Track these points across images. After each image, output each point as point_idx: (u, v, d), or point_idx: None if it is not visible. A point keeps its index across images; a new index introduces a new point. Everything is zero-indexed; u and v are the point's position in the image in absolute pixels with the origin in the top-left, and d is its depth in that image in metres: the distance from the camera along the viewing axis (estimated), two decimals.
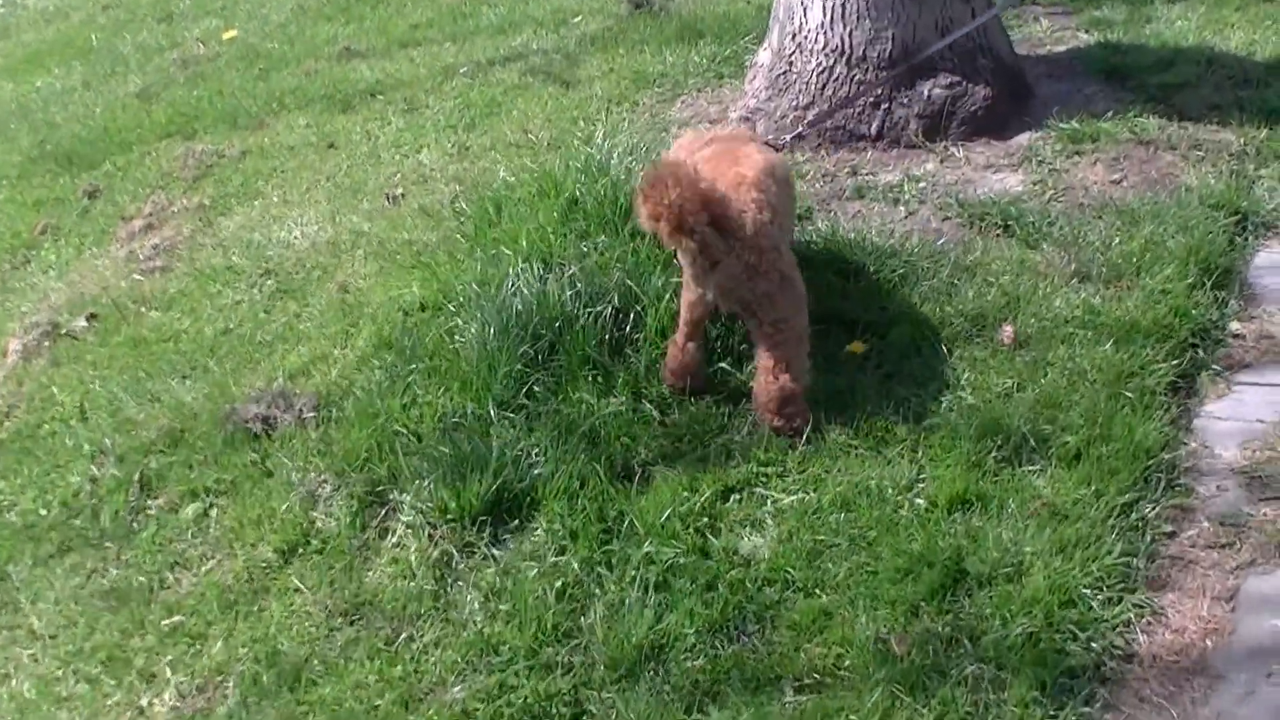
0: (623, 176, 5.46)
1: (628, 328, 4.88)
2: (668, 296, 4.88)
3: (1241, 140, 6.13)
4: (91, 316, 6.22)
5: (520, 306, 4.84)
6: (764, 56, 6.62)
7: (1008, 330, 4.79)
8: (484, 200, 5.95)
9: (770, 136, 6.10)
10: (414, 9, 10.26)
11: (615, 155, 5.71)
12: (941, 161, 6.16)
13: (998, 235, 5.49)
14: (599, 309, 4.86)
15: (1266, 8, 7.47)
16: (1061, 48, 7.22)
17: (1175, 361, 4.62)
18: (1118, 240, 5.28)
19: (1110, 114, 6.36)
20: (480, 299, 4.99)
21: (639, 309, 4.90)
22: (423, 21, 9.88)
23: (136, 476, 4.96)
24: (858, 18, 6.22)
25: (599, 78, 7.66)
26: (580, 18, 9.00)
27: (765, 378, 4.34)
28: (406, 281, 5.65)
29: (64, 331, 6.15)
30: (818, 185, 6.05)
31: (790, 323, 4.32)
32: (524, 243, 5.28)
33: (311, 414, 4.91)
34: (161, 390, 5.44)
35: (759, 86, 6.53)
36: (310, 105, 8.32)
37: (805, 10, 6.32)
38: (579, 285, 4.84)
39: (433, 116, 7.62)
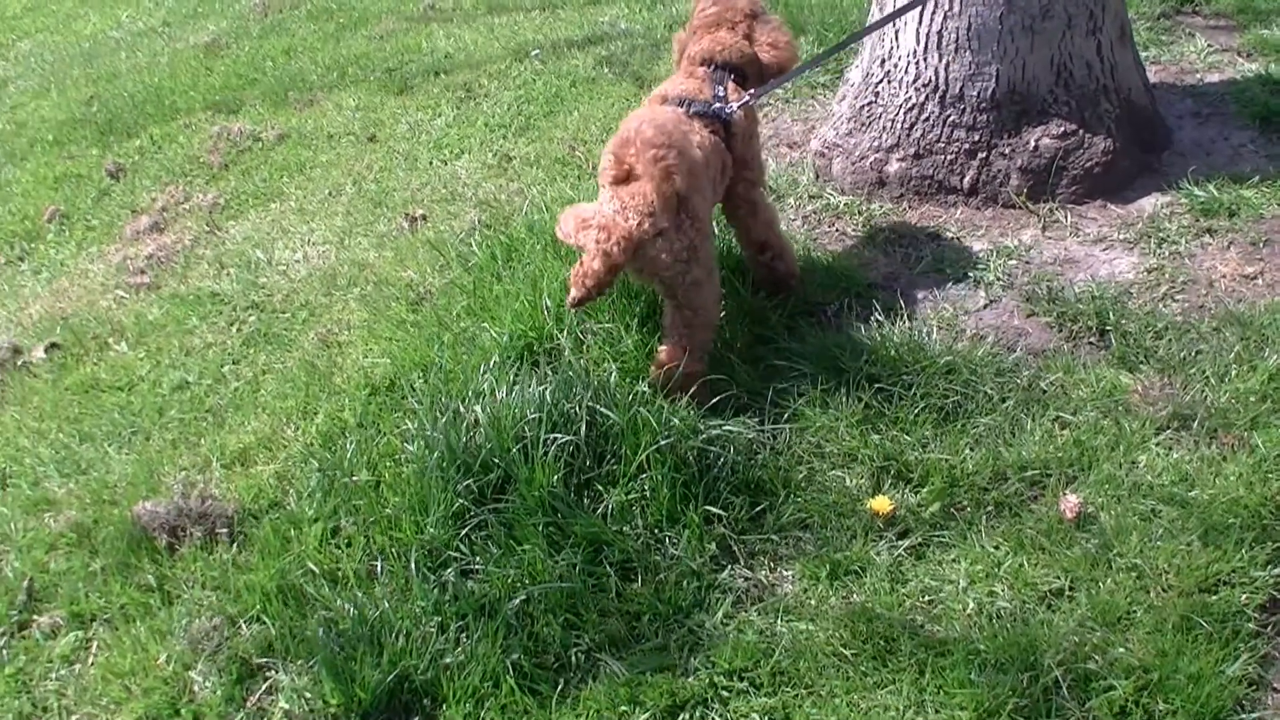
0: None
1: (599, 461, 3.87)
2: (649, 428, 4.05)
3: None
4: (53, 346, 5.47)
5: (475, 421, 4.03)
6: (855, 75, 5.58)
7: (1071, 501, 3.80)
8: (495, 245, 5.02)
9: (849, 181, 5.32)
10: None
11: None
12: (1043, 229, 5.13)
13: (1091, 344, 4.50)
14: (566, 438, 3.99)
15: None
16: (1215, 77, 6.07)
17: (1277, 570, 3.47)
18: (1234, 371, 4.21)
19: (1258, 178, 5.29)
20: (435, 404, 4.22)
21: (615, 441, 4.06)
22: None
23: (26, 583, 4.14)
24: (956, 48, 5.18)
25: None
26: None
27: (671, 352, 4.25)
28: (385, 346, 4.93)
29: (21, 362, 5.36)
30: (891, 249, 5.12)
31: (707, 306, 4.25)
32: (507, 324, 4.34)
33: (225, 530, 4.07)
34: (94, 460, 4.77)
35: (841, 116, 5.55)
36: (367, 80, 7.51)
37: (897, 34, 5.32)
38: (547, 403, 3.84)
39: (487, 111, 6.75)
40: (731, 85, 4.53)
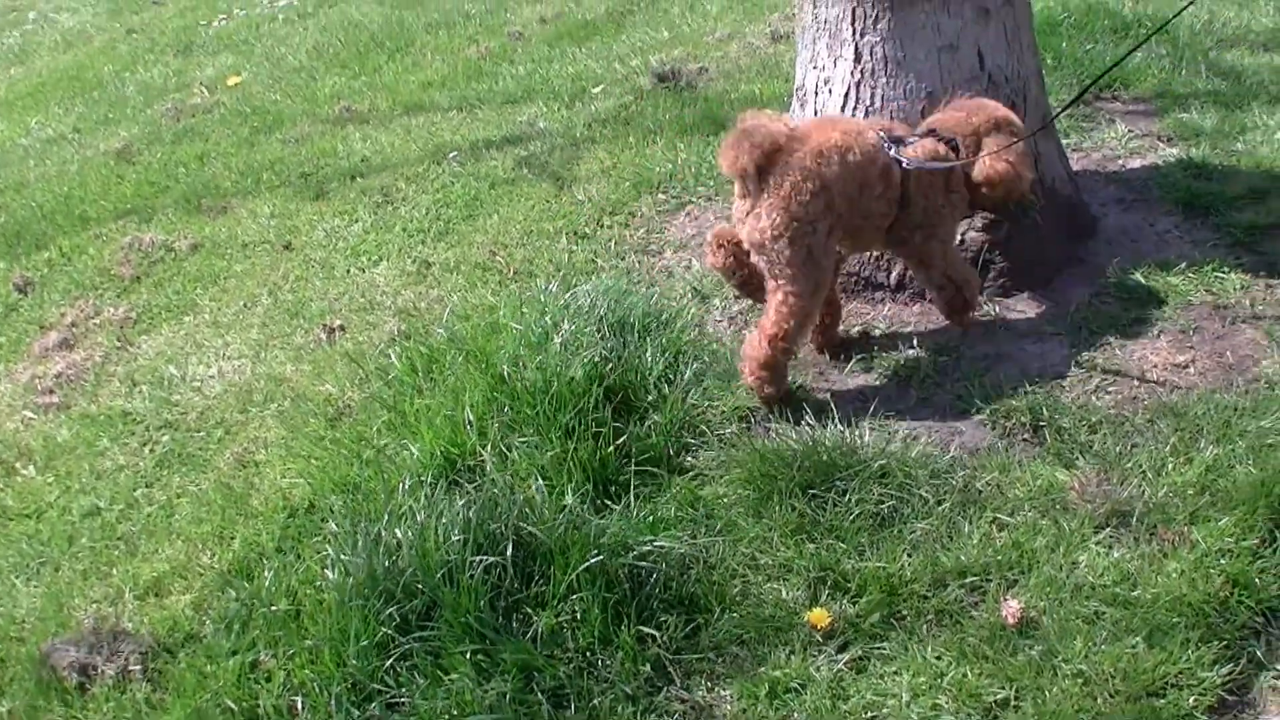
0: (563, 365, 4.61)
1: (528, 583, 3.79)
2: (578, 547, 3.94)
3: None
4: None
5: (397, 545, 3.93)
6: None
7: (1013, 607, 3.78)
8: (415, 356, 4.93)
9: None
10: (431, 62, 9.33)
11: (566, 320, 4.65)
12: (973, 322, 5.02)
13: (1025, 440, 4.47)
14: (491, 559, 3.91)
15: None
16: (1137, 163, 6.10)
17: (1226, 669, 3.49)
18: (1170, 464, 4.16)
19: (1184, 264, 5.30)
20: (355, 528, 4.10)
21: (543, 561, 3.97)
22: (436, 79, 9.04)
23: None
24: None
25: (598, 176, 6.65)
26: (601, 88, 7.97)
27: (759, 337, 4.53)
28: (304, 466, 4.83)
29: None
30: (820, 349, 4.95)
31: (800, 300, 4.47)
32: (428, 440, 4.25)
33: (138, 666, 3.93)
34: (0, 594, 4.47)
35: None
36: (282, 186, 7.43)
37: None
38: (471, 524, 3.75)
39: (405, 216, 6.69)
40: (933, 146, 4.73)
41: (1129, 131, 6.52)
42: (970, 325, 4.99)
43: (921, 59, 5.11)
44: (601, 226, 6.19)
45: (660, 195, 6.39)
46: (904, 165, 4.56)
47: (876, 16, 5.09)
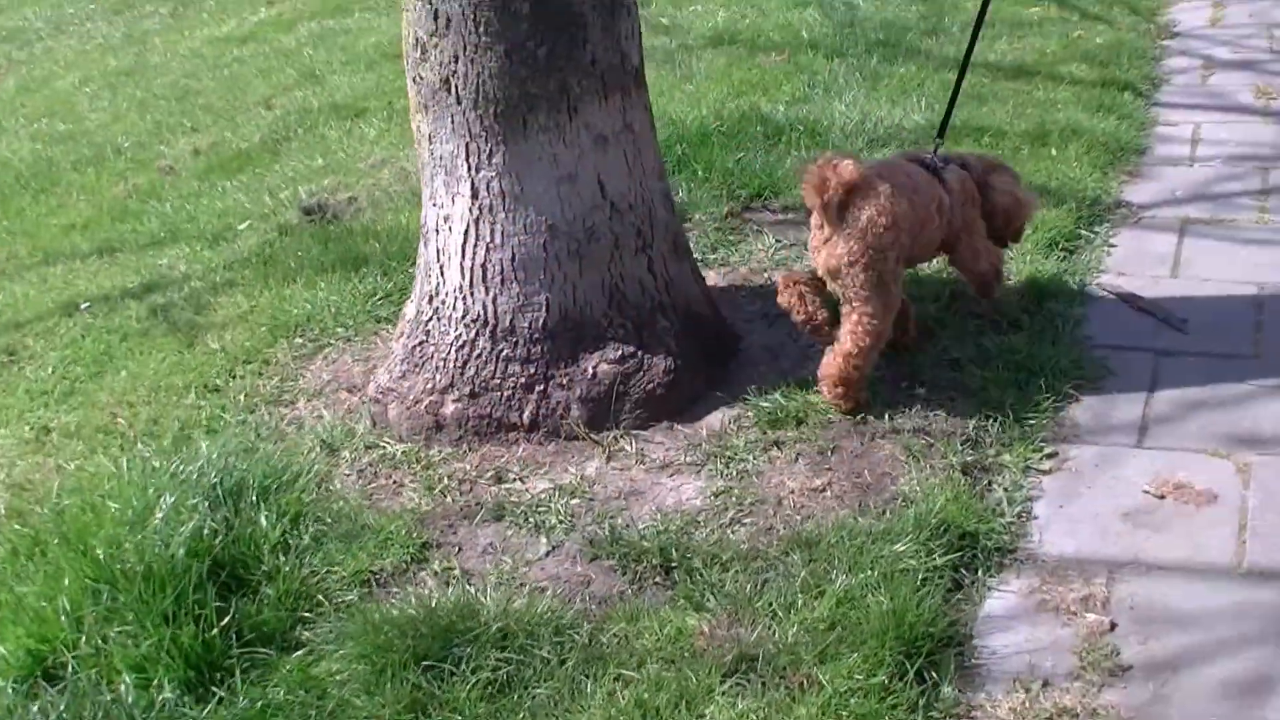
0: (162, 545, 4.39)
1: None
2: None
3: (982, 412, 5.06)
4: None
5: None
6: (410, 310, 5.36)
7: None
8: (17, 539, 4.61)
9: (406, 427, 5.27)
10: (77, 203, 8.94)
11: (169, 491, 4.38)
12: (608, 459, 5.01)
13: (657, 584, 4.39)
14: None
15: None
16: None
17: None
18: (801, 600, 4.07)
19: None
20: None
21: None
22: (79, 221, 8.66)
23: None
24: (502, 281, 5.05)
25: (235, 322, 6.40)
26: (248, 224, 7.72)
27: (835, 356, 5.04)
28: None
29: None
30: (450, 499, 4.99)
31: (874, 321, 4.95)
32: (13, 638, 3.94)
33: None
34: None
35: (396, 357, 5.34)
36: None
37: (443, 270, 5.12)
38: None
39: (30, 376, 6.31)
40: (963, 174, 5.46)
41: (777, 242, 6.54)
42: (996, 295, 5.71)
43: (540, 191, 5.01)
44: (234, 377, 5.95)
45: (298, 339, 6.18)
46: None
47: (490, 151, 4.98)
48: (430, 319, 5.29)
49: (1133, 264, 6.28)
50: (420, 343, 5.31)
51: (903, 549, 4.35)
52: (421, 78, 5.07)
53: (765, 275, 6.21)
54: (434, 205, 5.20)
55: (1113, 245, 6.49)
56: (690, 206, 6.89)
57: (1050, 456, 4.96)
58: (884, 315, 4.94)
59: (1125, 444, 5.00)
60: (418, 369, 5.29)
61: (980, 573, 4.40)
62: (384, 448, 5.24)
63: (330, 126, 9.48)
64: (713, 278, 6.25)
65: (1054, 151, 7.26)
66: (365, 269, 6.71)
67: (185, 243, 7.77)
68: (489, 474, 5.05)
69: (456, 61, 4.95)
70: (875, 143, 7.53)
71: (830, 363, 5.02)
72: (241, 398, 5.78)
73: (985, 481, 4.82)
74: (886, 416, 5.10)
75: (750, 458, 4.95)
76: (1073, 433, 5.07)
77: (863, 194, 4.84)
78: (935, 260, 5.78)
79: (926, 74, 8.66)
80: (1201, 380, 5.32)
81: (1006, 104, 8.03)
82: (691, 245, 6.33)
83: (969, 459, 4.90)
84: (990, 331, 5.62)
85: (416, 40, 5.04)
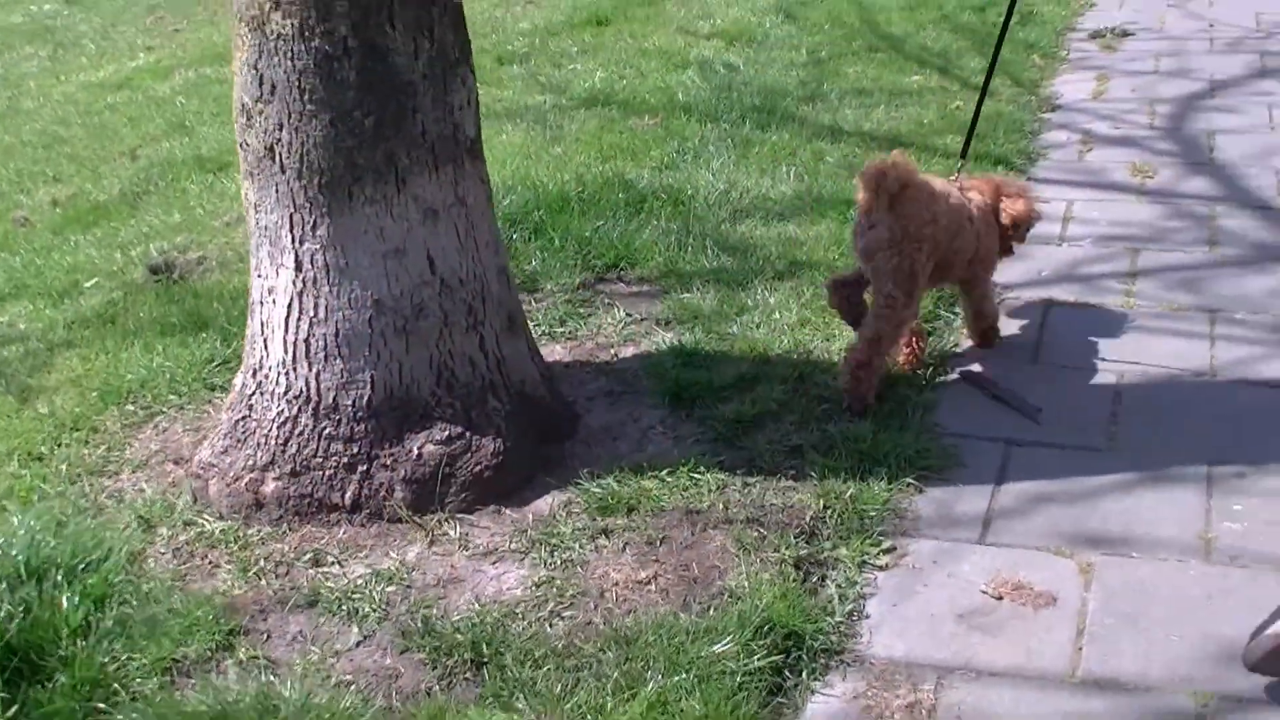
0: None
1: None
2: None
3: (820, 503, 4.96)
4: None
5: None
6: (239, 382, 5.17)
7: None
8: None
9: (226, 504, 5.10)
10: None
11: None
12: (430, 544, 4.87)
13: (467, 680, 4.23)
14: None
15: None
16: (630, 351, 5.97)
17: None
18: (612, 703, 3.99)
19: (661, 464, 5.22)
20: None
21: None
22: None
23: None
24: (326, 356, 4.90)
25: (67, 385, 6.20)
26: (94, 282, 7.50)
27: (860, 342, 5.44)
28: None
29: None
30: (265, 583, 4.83)
31: (898, 305, 5.35)
32: None
33: None
34: None
35: (220, 432, 5.12)
36: None
37: (266, 343, 4.96)
38: None
39: None
40: (983, 200, 5.99)
41: (628, 316, 6.40)
42: (996, 345, 6.21)
43: (366, 265, 4.86)
44: (60, 445, 5.75)
45: (129, 406, 5.99)
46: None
47: (315, 222, 4.82)
48: (254, 393, 5.12)
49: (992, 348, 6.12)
50: (243, 417, 5.14)
51: (723, 649, 4.21)
52: (248, 144, 4.91)
53: (612, 351, 6.08)
54: (259, 276, 5.03)
55: None
56: (542, 276, 6.76)
57: (888, 551, 4.80)
58: (907, 305, 5.34)
59: (967, 539, 4.86)
60: (240, 444, 5.11)
61: (804, 675, 4.26)
62: (202, 525, 5.06)
63: (192, 180, 9.28)
64: (558, 352, 6.11)
65: None
66: (205, 333, 6.53)
67: (29, 299, 7.53)
68: (307, 556, 4.86)
69: (281, 129, 4.77)
70: (739, 214, 7.42)
71: (853, 348, 5.46)
72: (64, 467, 5.57)
73: (818, 576, 4.68)
74: (721, 505, 4.94)
75: (577, 546, 4.79)
76: (914, 526, 4.92)
77: (913, 191, 5.25)
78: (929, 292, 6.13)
79: (799, 142, 8.54)
80: (1051, 473, 5.20)
81: None
82: (539, 317, 6.21)
83: (803, 553, 4.76)
84: (837, 416, 5.47)
85: (243, 105, 4.88)
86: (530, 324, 5.98)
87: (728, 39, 11.12)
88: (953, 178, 5.87)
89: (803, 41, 10.96)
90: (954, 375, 5.93)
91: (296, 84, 4.73)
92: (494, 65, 10.87)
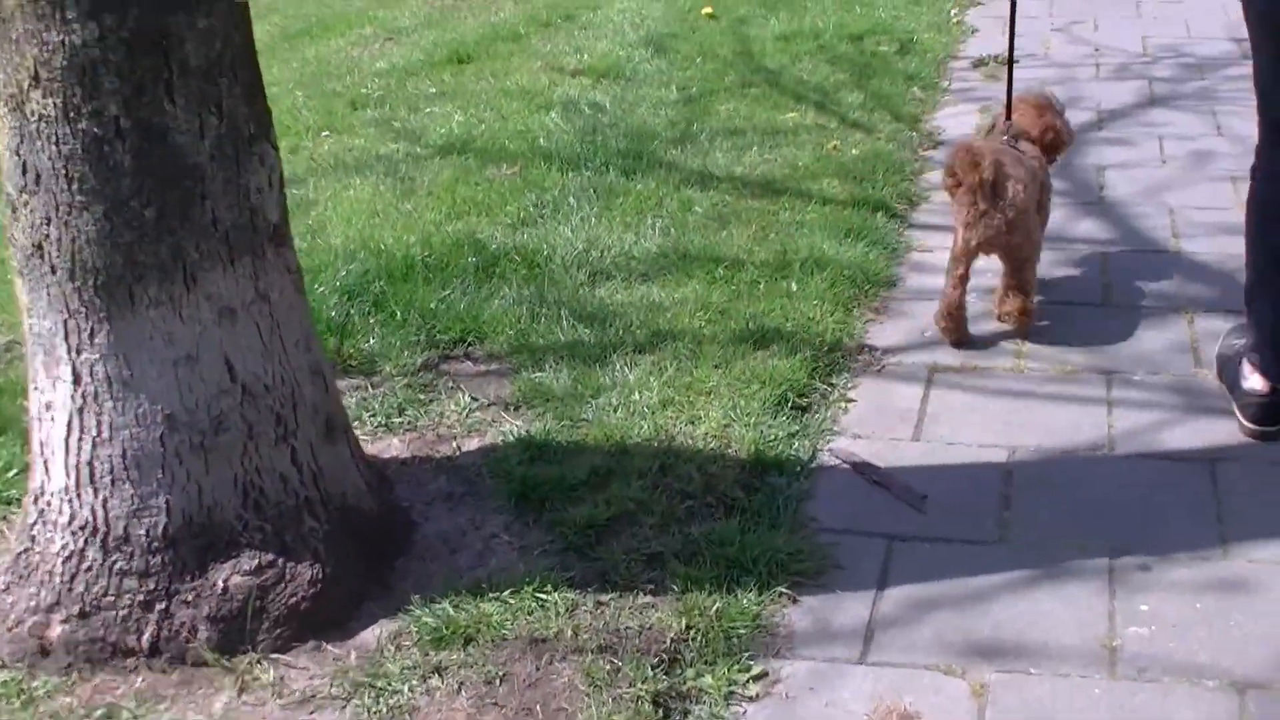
0: None
1: None
2: None
3: (682, 622, 4.44)
4: None
5: None
6: (25, 508, 4.55)
7: None
8: None
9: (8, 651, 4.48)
10: None
11: None
12: (241, 690, 4.33)
13: None
14: None
15: (756, 360, 5.75)
16: (475, 443, 5.41)
17: None
18: None
19: (504, 582, 4.61)
20: None
21: None
22: None
23: None
24: (113, 481, 4.33)
25: None
26: None
27: (1008, 293, 6.06)
28: None
29: None
30: None
31: (1029, 262, 5.96)
32: None
33: None
34: None
35: (3, 566, 4.44)
36: None
37: (47, 466, 4.35)
38: None
39: None
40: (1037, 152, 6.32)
41: (473, 401, 5.84)
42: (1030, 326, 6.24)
43: (154, 376, 4.29)
44: None
45: None
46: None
47: (93, 329, 4.24)
48: (36, 523, 4.53)
49: (871, 423, 5.65)
50: (26, 550, 4.55)
51: None
52: (15, 239, 4.28)
53: (454, 444, 5.50)
54: (36, 389, 4.44)
55: (850, 400, 5.87)
56: (380, 357, 6.17)
57: (758, 678, 4.31)
58: (1036, 261, 6.04)
59: (846, 658, 4.36)
60: (22, 581, 4.51)
61: None
62: None
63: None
64: (396, 446, 5.54)
65: (794, 286, 6.62)
66: (6, 436, 5.83)
67: None
68: (99, 712, 4.30)
69: (49, 224, 4.18)
70: (599, 275, 6.85)
71: (1014, 302, 6.05)
72: None
73: (680, 711, 4.12)
74: (570, 631, 4.39)
75: (405, 689, 4.25)
76: (787, 645, 4.42)
77: (1003, 168, 5.60)
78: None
79: (667, 190, 8.00)
80: (938, 572, 4.74)
81: (749, 227, 7.40)
82: (376, 406, 5.66)
83: (661, 686, 4.24)
84: (700, 516, 4.94)
85: (7, 197, 4.24)
86: (367, 413, 5.46)
87: (595, 75, 10.56)
88: (1002, 139, 6.08)
89: (673, 77, 10.41)
90: (830, 459, 5.36)
91: (63, 172, 4.13)
92: (347, 111, 10.24)
